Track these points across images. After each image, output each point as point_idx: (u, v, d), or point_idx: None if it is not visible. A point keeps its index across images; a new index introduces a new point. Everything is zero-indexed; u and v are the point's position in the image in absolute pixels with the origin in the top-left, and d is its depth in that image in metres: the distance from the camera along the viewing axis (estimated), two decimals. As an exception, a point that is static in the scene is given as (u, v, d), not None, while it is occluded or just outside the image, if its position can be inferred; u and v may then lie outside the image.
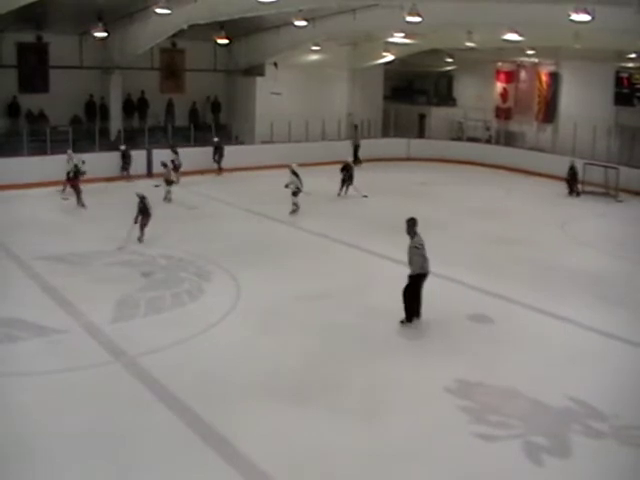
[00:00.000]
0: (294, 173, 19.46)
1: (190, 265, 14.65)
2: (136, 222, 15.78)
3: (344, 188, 22.30)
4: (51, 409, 8.67)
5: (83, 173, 20.15)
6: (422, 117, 34.36)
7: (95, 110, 27.26)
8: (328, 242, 16.97)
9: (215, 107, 30.34)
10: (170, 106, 28.93)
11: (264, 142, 29.03)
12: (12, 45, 25.45)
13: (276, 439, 7.98)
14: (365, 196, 21.85)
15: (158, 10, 20.16)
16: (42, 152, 23.15)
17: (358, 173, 22.84)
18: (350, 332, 11.15)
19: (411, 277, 11.26)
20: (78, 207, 19.70)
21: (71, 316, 11.66)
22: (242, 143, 29.19)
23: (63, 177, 20.82)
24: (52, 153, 22.94)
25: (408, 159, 30.88)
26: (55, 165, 21.79)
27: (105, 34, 23.88)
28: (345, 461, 7.60)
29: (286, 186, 19.35)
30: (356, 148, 29.55)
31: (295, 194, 19.36)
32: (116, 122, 27.26)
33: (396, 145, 31.49)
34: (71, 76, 26.24)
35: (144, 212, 15.87)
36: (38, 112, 25.80)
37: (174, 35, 25.71)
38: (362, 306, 12.33)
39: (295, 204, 19.48)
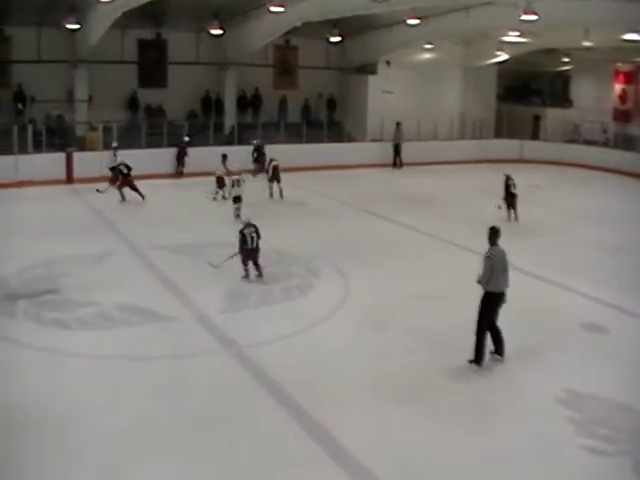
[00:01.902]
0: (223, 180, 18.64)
1: (300, 260, 14.84)
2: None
3: (512, 212, 18.75)
4: (159, 394, 8.96)
5: (130, 169, 20.07)
6: (537, 118, 33.53)
7: (211, 105, 28.02)
8: (438, 243, 16.82)
9: (331, 104, 30.56)
10: (283, 102, 29.36)
11: (374, 140, 29.08)
12: (133, 42, 26.55)
13: (381, 439, 7.97)
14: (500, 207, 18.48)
15: (272, 8, 20.48)
16: (159, 145, 24.00)
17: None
18: (458, 335, 10.96)
19: (483, 296, 10.13)
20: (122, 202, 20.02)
21: (183, 304, 12.05)
22: (354, 141, 29.31)
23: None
24: (169, 146, 23.72)
25: (520, 161, 30.16)
26: (171, 158, 22.67)
27: (221, 31, 24.48)
28: (448, 466, 7.52)
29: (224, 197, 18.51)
30: (397, 148, 28.40)
31: (235, 200, 18.16)
32: (230, 117, 28.00)
33: (509, 146, 30.82)
34: (188, 72, 27.07)
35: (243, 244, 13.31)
36: (156, 106, 26.76)
37: (288, 32, 26.10)
38: (472, 309, 12.14)
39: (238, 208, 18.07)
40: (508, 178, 19.00)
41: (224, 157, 21.24)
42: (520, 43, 27.60)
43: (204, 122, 26.85)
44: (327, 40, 27.33)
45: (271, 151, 25.38)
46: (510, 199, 18.78)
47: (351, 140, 29.38)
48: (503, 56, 30.14)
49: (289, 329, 11.03)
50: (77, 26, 22.09)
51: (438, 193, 22.15)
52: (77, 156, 22.93)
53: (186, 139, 24.16)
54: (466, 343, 10.58)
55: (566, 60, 32.29)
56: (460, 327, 11.25)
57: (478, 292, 12.92)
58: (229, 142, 26.22)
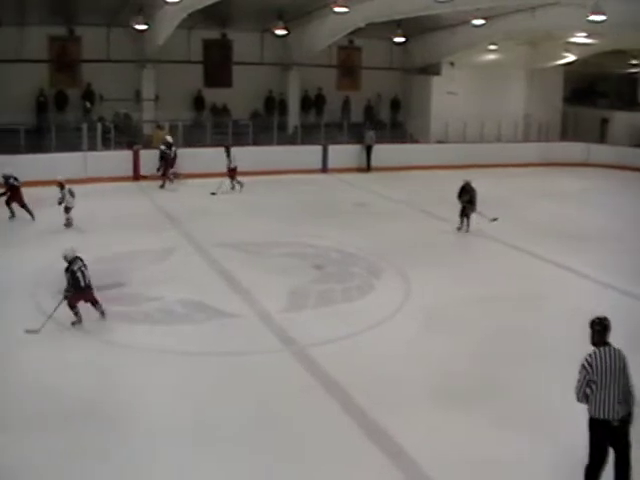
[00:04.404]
0: (62, 188, 16.84)
1: (361, 260, 14.84)
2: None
3: (465, 221, 17.52)
4: (218, 391, 9.06)
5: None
6: (604, 121, 32.78)
7: (274, 105, 28.26)
8: (498, 245, 16.62)
9: (395, 105, 30.54)
10: (346, 103, 29.43)
11: (439, 142, 28.91)
12: (199, 42, 26.98)
13: (441, 442, 7.91)
14: (495, 219, 17.51)
15: (336, 9, 20.56)
16: (224, 144, 24.28)
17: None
18: (521, 338, 10.84)
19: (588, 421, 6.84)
20: None
21: (245, 302, 12.17)
22: (416, 142, 29.19)
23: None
24: (233, 145, 23.98)
25: (585, 164, 29.60)
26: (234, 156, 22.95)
27: (285, 32, 24.69)
28: (509, 471, 7.43)
29: (59, 203, 16.88)
30: (368, 150, 26.97)
31: (67, 210, 16.93)
32: (294, 117, 28.20)
33: (574, 149, 30.17)
34: (252, 72, 27.40)
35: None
36: (221, 106, 27.12)
37: (351, 33, 26.16)
38: (534, 312, 11.99)
39: (68, 219, 16.96)
40: (467, 185, 17.44)
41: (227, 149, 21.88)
42: (587, 44, 27.08)
43: (267, 122, 27.09)
44: (391, 40, 27.28)
45: (334, 152, 25.57)
46: (470, 206, 17.38)
47: (413, 141, 29.22)
48: (570, 57, 29.59)
49: (349, 329, 11.04)
50: (145, 27, 22.54)
51: (500, 196, 21.81)
52: (144, 154, 23.39)
53: (162, 147, 22.82)
54: (530, 347, 10.48)
55: (635, 62, 31.52)
56: (521, 332, 11.14)
57: (539, 295, 12.84)
58: (292, 142, 26.41)
